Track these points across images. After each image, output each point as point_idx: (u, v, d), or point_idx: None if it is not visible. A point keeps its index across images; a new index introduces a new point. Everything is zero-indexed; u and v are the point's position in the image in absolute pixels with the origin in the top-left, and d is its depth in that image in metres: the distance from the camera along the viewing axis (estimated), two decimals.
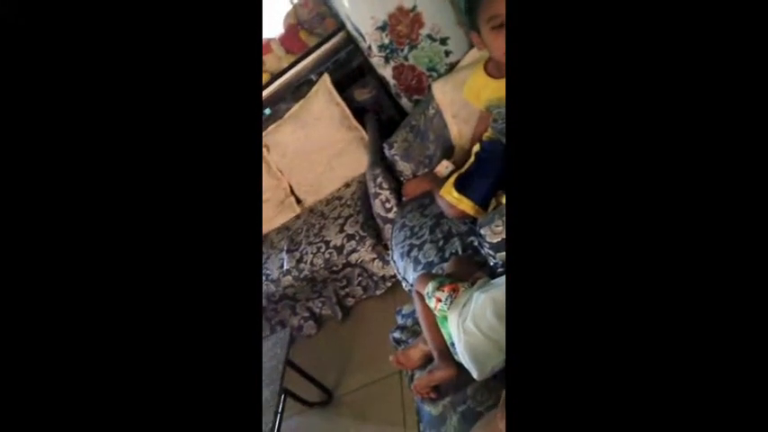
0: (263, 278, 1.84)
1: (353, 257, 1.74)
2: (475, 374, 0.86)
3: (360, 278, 1.81)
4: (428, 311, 0.98)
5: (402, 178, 1.69)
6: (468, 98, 1.42)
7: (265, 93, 2.07)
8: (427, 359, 1.05)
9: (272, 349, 1.46)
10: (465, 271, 1.06)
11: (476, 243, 1.26)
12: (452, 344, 0.91)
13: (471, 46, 1.66)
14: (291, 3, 2.00)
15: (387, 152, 1.66)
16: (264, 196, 2.09)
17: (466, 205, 1.30)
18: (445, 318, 0.92)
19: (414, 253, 1.39)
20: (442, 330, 0.95)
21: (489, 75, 1.30)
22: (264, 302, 1.87)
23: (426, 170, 1.63)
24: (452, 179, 1.36)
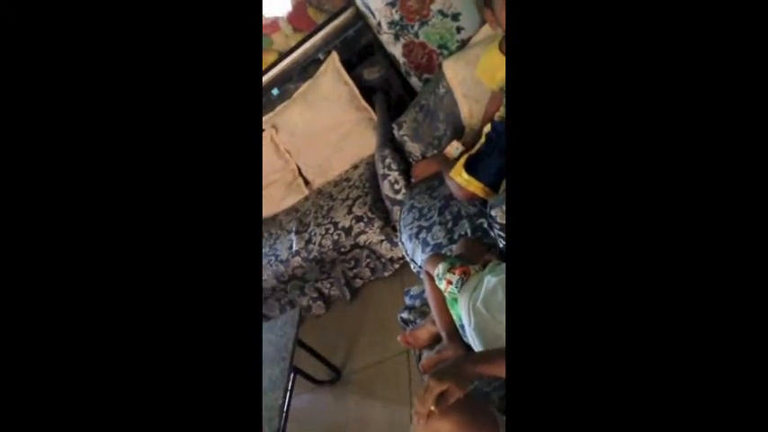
0: (273, 258, 1.86)
1: (362, 239, 1.74)
2: None
3: (368, 260, 1.81)
4: (437, 292, 0.98)
5: (411, 159, 1.67)
6: (482, 77, 1.39)
7: (273, 72, 2.04)
8: (435, 339, 1.06)
9: (282, 328, 1.48)
10: (474, 252, 1.06)
11: (485, 225, 1.25)
12: (462, 325, 0.91)
13: (484, 22, 1.61)
14: None
15: (396, 133, 1.64)
16: (272, 177, 2.09)
17: (475, 187, 1.28)
18: (455, 300, 0.92)
19: (422, 235, 1.38)
20: (452, 312, 0.95)
21: (504, 54, 1.26)
22: (274, 282, 1.89)
23: (436, 151, 1.61)
24: (462, 160, 1.34)
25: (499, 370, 0.62)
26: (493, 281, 0.84)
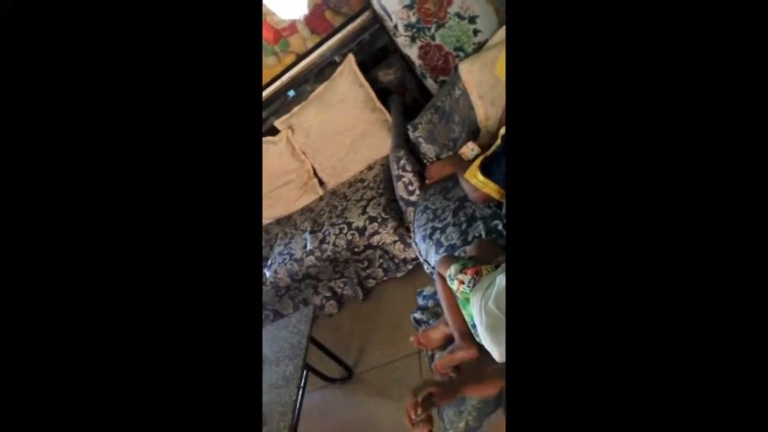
0: (288, 257, 1.88)
1: (375, 239, 1.75)
2: (495, 356, 0.86)
3: (381, 260, 1.82)
4: (450, 293, 0.98)
5: (426, 161, 1.67)
6: (501, 75, 1.38)
7: (290, 74, 2.08)
8: (447, 340, 1.06)
9: (296, 326, 1.50)
10: (488, 254, 1.06)
11: (500, 227, 1.25)
12: (473, 325, 0.92)
13: (501, 24, 1.61)
14: None
15: (411, 134, 1.65)
16: (288, 177, 2.12)
17: (491, 189, 1.28)
18: (467, 300, 0.92)
19: (436, 236, 1.39)
20: (464, 312, 0.95)
21: None
22: (288, 281, 1.91)
23: (450, 153, 1.61)
24: (477, 162, 1.34)
25: (490, 389, 0.62)
26: (505, 280, 0.84)
